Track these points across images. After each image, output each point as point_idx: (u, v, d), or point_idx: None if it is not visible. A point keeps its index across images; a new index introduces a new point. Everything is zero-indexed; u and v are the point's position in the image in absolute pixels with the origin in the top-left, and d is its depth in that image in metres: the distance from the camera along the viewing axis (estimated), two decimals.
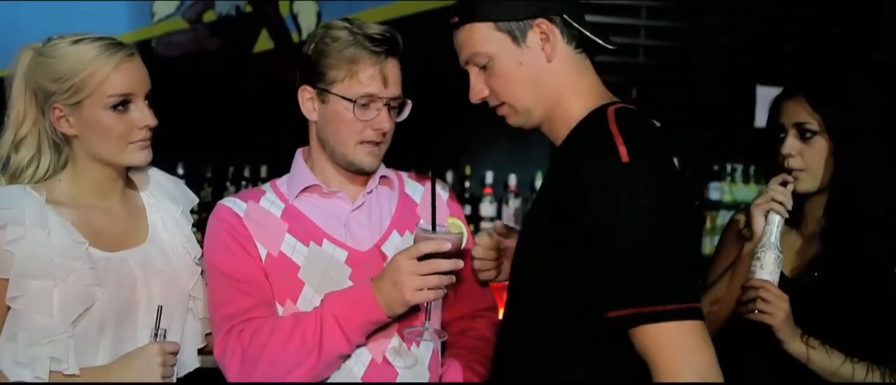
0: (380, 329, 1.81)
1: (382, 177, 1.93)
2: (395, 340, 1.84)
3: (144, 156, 1.78)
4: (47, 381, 1.65)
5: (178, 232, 1.89)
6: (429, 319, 1.77)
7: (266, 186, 1.94)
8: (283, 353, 1.72)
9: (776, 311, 1.82)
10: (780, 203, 1.92)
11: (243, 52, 3.94)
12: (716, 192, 3.79)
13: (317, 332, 1.71)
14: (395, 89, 1.83)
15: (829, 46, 4.03)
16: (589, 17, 1.69)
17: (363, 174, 1.89)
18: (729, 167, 3.81)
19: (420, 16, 3.85)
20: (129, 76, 1.73)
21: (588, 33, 1.65)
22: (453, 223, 1.77)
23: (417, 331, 1.78)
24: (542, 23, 1.61)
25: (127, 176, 1.87)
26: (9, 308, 1.67)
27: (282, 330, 1.73)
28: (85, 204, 1.77)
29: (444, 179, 3.80)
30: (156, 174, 1.95)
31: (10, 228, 1.65)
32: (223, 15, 3.94)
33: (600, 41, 1.66)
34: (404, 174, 2.01)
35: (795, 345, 1.85)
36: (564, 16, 1.63)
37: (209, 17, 3.93)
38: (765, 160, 2.04)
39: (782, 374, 1.93)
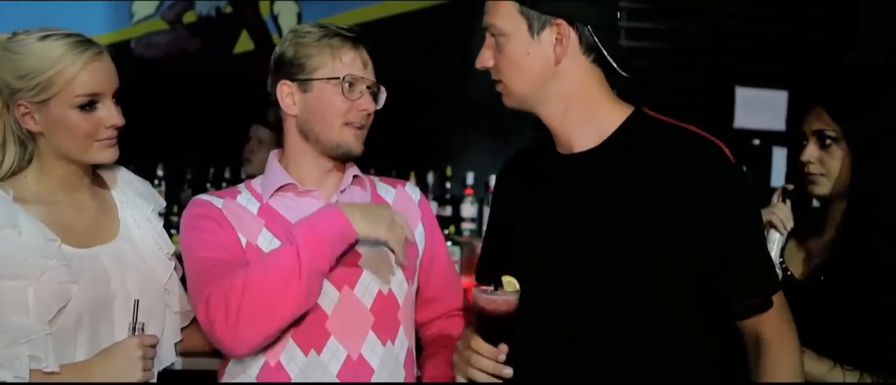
0: (355, 326, 1.82)
1: (355, 176, 1.94)
2: (370, 337, 1.85)
3: (110, 154, 1.76)
4: (28, 380, 1.63)
5: (149, 228, 1.88)
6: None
7: (240, 187, 1.94)
8: (265, 286, 1.71)
9: None
10: (781, 220, 1.96)
11: (223, 53, 3.93)
12: None
13: (293, 252, 1.71)
14: (371, 74, 1.89)
15: (807, 49, 4.07)
16: None
17: (347, 160, 1.90)
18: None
19: (399, 17, 3.85)
20: (96, 75, 1.70)
21: (605, 53, 1.66)
22: (509, 282, 1.64)
23: None
24: (562, 24, 1.62)
25: (95, 173, 1.85)
26: None
27: (258, 265, 1.73)
28: (53, 200, 1.74)
29: (424, 180, 3.82)
30: (124, 173, 1.93)
31: None
32: (203, 16, 3.93)
33: (615, 65, 1.68)
34: (376, 178, 2.03)
35: None
36: (589, 28, 1.64)
37: (189, 17, 3.92)
38: (743, 161, 2.07)
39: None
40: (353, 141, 1.86)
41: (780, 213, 2.01)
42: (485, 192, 3.84)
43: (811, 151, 1.96)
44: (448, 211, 3.79)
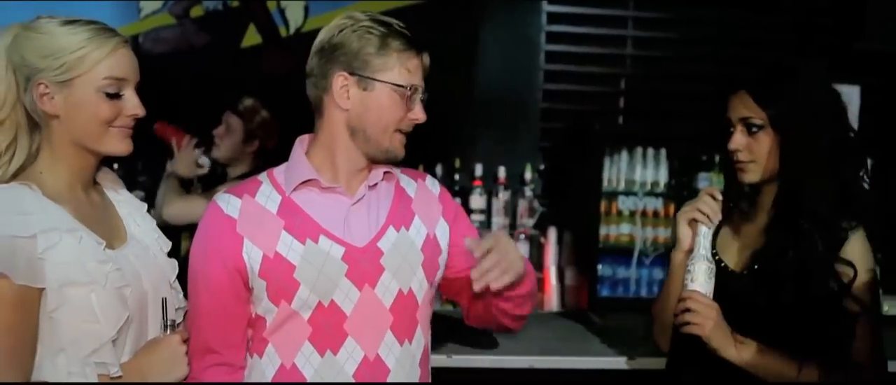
0: (374, 326, 1.82)
1: (385, 172, 1.92)
2: (388, 337, 1.85)
3: (126, 145, 1.73)
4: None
5: (148, 226, 1.88)
6: None
7: (262, 177, 1.91)
8: None
9: (704, 321, 1.86)
10: (707, 215, 1.96)
11: (231, 47, 3.93)
12: (704, 181, 3.80)
13: None
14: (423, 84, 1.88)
15: (815, 36, 4.05)
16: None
17: (389, 163, 1.90)
18: (717, 158, 3.81)
19: (407, 9, 3.84)
20: (123, 61, 1.70)
21: None
22: None
23: None
24: None
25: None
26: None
27: None
28: (75, 198, 1.72)
29: (433, 172, 3.81)
30: (111, 172, 1.91)
31: (42, 236, 1.58)
32: (210, 10, 3.93)
33: None
34: (399, 170, 2.00)
35: (729, 351, 1.87)
36: None
37: (196, 12, 3.92)
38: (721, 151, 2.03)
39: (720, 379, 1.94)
40: (399, 147, 1.86)
41: (705, 207, 1.97)
42: (493, 183, 3.84)
43: (738, 139, 1.92)
44: (456, 203, 3.79)
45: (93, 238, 1.66)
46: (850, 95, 3.99)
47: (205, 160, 3.41)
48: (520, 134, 4.01)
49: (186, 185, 3.36)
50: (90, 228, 1.68)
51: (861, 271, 1.85)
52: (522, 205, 3.87)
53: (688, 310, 1.87)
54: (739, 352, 1.86)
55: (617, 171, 3.64)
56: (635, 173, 3.67)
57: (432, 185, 2.03)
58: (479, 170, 3.83)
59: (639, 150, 3.58)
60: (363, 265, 1.82)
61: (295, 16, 3.94)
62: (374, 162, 1.88)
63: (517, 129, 4.02)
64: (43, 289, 1.59)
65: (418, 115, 1.85)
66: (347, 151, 1.85)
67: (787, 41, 4.07)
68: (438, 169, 3.79)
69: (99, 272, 1.63)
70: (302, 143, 1.91)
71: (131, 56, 1.73)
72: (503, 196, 3.84)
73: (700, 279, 1.90)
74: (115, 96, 1.69)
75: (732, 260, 1.98)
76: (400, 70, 1.80)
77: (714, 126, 1.98)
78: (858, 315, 1.85)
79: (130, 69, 1.72)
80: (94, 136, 1.70)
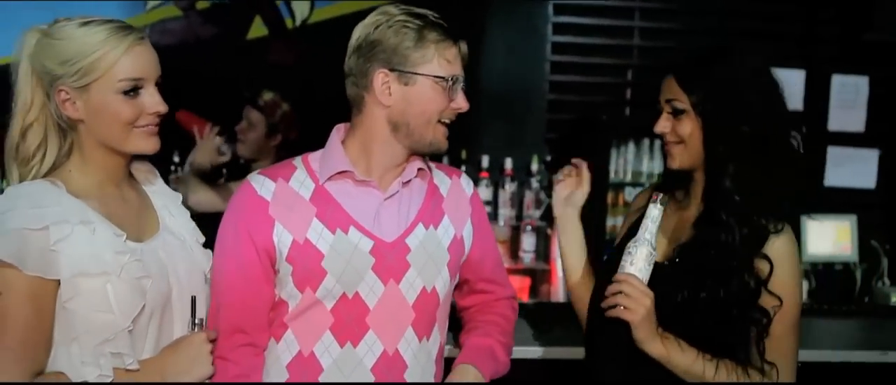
0: (396, 321, 1.83)
1: (419, 168, 1.92)
2: (408, 333, 1.85)
3: (153, 143, 1.73)
4: (113, 378, 1.62)
5: (183, 217, 1.88)
6: None
7: (297, 161, 1.91)
8: None
9: (637, 307, 1.74)
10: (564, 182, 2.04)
11: (237, 39, 3.93)
12: None
13: None
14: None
15: (823, 27, 4.03)
16: None
17: (433, 154, 1.91)
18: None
19: (415, 1, 3.83)
20: (139, 60, 1.68)
21: None
22: None
23: None
24: None
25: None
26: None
27: None
28: (103, 194, 1.72)
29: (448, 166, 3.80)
30: (148, 164, 1.91)
31: (54, 228, 1.58)
32: (216, 2, 3.93)
33: None
34: (434, 166, 2.00)
35: (654, 345, 1.78)
36: None
37: (202, 4, 3.92)
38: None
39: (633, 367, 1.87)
40: (443, 139, 1.86)
41: (561, 174, 2.02)
42: (500, 175, 3.84)
43: (663, 123, 1.87)
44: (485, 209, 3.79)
45: (110, 230, 1.66)
46: (859, 86, 3.98)
47: (226, 148, 3.41)
48: (526, 125, 4.00)
49: (209, 176, 3.36)
50: (117, 222, 1.68)
51: (780, 271, 1.79)
52: (529, 196, 3.88)
53: (621, 292, 1.75)
54: (666, 347, 1.78)
55: (624, 162, 3.64)
56: (642, 164, 3.67)
57: (466, 185, 2.03)
58: (485, 161, 3.84)
59: (646, 141, 3.58)
60: (390, 260, 1.82)
61: (301, 7, 3.93)
62: (419, 153, 1.88)
63: (524, 121, 4.01)
64: (58, 282, 1.59)
65: (461, 103, 1.85)
66: (386, 146, 1.85)
67: (794, 32, 4.05)
68: (444, 160, 3.78)
69: (115, 263, 1.63)
70: (339, 132, 1.91)
71: (149, 52, 1.71)
72: (510, 187, 3.85)
73: (639, 264, 1.77)
74: (134, 96, 1.68)
75: (661, 249, 1.89)
76: (439, 61, 1.80)
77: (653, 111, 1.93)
78: (773, 315, 1.79)
79: (148, 66, 1.70)
80: (119, 138, 1.70)
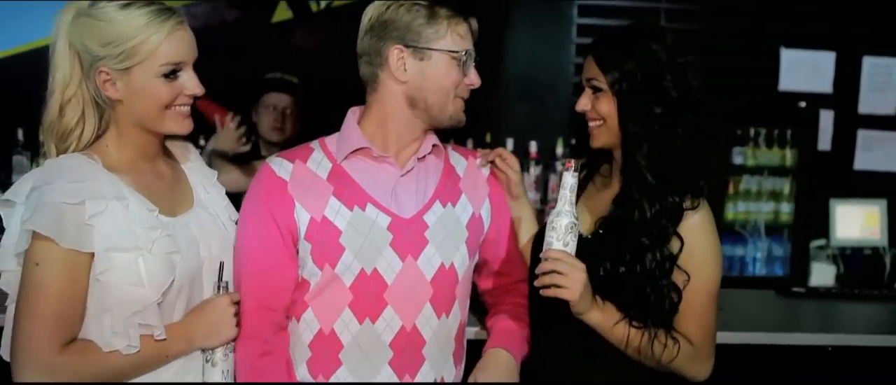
0: (414, 297, 1.84)
1: (434, 145, 1.94)
2: (426, 309, 1.85)
3: (186, 125, 1.76)
4: (139, 348, 1.67)
5: (217, 194, 1.91)
6: None
7: (314, 144, 1.94)
8: None
9: (574, 284, 1.74)
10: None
11: (261, 23, 3.93)
12: (739, 156, 3.76)
13: None
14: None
15: (854, 9, 3.97)
16: None
17: (453, 128, 1.92)
18: (752, 132, 3.78)
19: None
20: (180, 44, 1.71)
21: None
22: None
23: None
24: None
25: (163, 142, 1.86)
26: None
27: None
28: (137, 169, 1.75)
29: (464, 147, 3.79)
30: (183, 141, 1.94)
31: (90, 203, 1.62)
32: None
33: None
34: (450, 147, 2.02)
35: (595, 315, 1.81)
36: None
37: None
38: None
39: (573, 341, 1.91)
40: (461, 113, 1.89)
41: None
42: (525, 157, 3.83)
43: (584, 101, 1.90)
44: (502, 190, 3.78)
45: (144, 205, 1.69)
46: (890, 68, 3.92)
47: (245, 140, 3.43)
48: (551, 108, 3.99)
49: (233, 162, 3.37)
50: (151, 198, 1.72)
51: (694, 247, 1.82)
52: (553, 179, 3.86)
53: (555, 271, 1.73)
54: (605, 315, 1.82)
55: None
56: None
57: (483, 167, 2.05)
58: (510, 144, 3.82)
59: None
60: (408, 236, 1.84)
61: None
62: (439, 128, 1.91)
63: (548, 104, 4.00)
64: (92, 254, 1.63)
65: (473, 79, 1.88)
66: (403, 122, 1.87)
67: (825, 14, 3.99)
68: (469, 144, 3.78)
69: (146, 238, 1.67)
70: (354, 113, 1.94)
71: (188, 35, 1.74)
72: (534, 171, 3.83)
73: (563, 236, 1.74)
74: (173, 79, 1.71)
75: (585, 224, 1.93)
76: (452, 36, 1.83)
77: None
78: (683, 290, 1.83)
79: (187, 50, 1.73)
80: (154, 119, 1.73)
